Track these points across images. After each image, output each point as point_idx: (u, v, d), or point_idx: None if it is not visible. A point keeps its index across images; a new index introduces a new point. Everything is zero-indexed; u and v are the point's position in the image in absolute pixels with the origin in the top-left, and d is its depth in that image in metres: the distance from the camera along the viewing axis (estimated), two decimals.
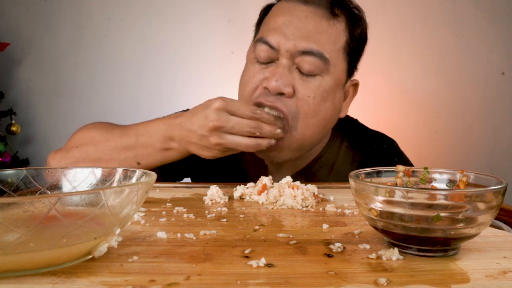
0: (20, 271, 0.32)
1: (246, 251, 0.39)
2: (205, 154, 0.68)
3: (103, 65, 2.23)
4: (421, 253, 0.39)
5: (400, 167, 0.48)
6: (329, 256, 0.39)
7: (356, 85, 0.83)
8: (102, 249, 0.36)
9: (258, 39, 0.74)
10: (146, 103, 2.21)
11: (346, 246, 0.42)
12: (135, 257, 0.37)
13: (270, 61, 0.73)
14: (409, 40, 2.14)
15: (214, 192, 0.63)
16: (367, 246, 0.41)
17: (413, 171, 0.49)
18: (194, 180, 0.96)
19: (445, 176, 0.47)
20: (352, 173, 0.45)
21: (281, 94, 0.70)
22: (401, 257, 0.38)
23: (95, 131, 0.77)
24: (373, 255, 0.38)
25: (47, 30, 2.20)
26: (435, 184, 0.48)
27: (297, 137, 0.73)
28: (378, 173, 0.48)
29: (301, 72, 0.72)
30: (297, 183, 0.64)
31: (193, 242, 0.42)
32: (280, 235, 0.46)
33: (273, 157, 0.76)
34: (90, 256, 0.36)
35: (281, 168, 0.85)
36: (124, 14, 2.22)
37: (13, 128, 2.04)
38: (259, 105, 0.71)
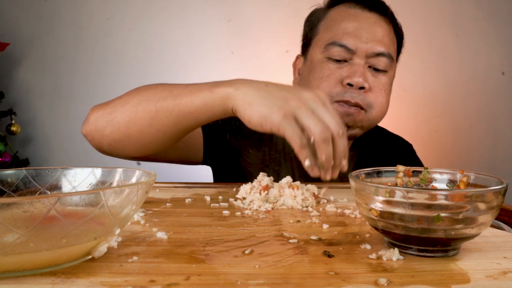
0: (20, 271, 0.32)
1: (246, 251, 0.39)
2: (256, 115, 0.54)
3: (103, 65, 2.23)
4: (421, 253, 0.39)
5: (400, 167, 0.48)
6: (329, 256, 0.39)
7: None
8: (102, 249, 0.36)
9: (332, 43, 0.82)
10: None
11: (346, 246, 0.41)
12: (135, 257, 0.37)
13: (343, 60, 0.83)
14: (409, 40, 2.14)
15: (247, 189, 0.63)
16: (367, 246, 0.41)
17: (413, 171, 0.49)
18: (214, 169, 0.99)
19: (445, 176, 0.47)
20: (352, 173, 0.45)
21: (361, 88, 0.80)
22: (401, 257, 0.38)
23: (144, 87, 0.70)
24: (373, 255, 0.38)
25: (47, 30, 2.20)
26: (435, 184, 0.48)
27: (369, 118, 0.83)
28: (378, 173, 0.48)
29: (371, 69, 0.83)
30: (297, 183, 0.64)
31: (193, 242, 0.42)
32: (280, 235, 0.45)
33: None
34: (90, 256, 0.36)
35: None
36: (124, 14, 2.22)
37: (13, 128, 2.03)
38: (346, 103, 0.80)
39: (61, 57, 2.22)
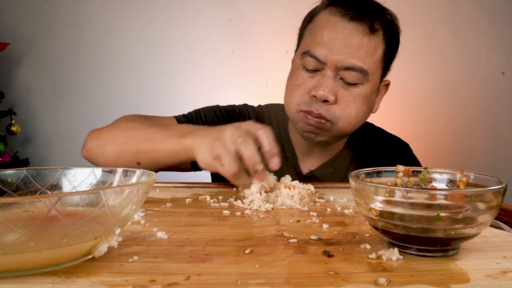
0: (21, 271, 0.32)
1: (246, 251, 0.39)
2: (205, 152, 0.67)
3: (103, 65, 2.23)
4: (421, 253, 0.39)
5: (400, 167, 0.48)
6: (329, 256, 0.39)
7: (387, 85, 0.93)
8: (102, 249, 0.36)
9: (306, 52, 0.82)
10: (147, 103, 2.21)
11: (346, 246, 0.42)
12: (135, 257, 0.37)
13: (316, 69, 0.82)
14: (409, 40, 2.14)
15: (257, 188, 0.63)
16: (367, 246, 0.41)
17: (413, 171, 0.49)
18: (214, 175, 1.02)
19: (445, 176, 0.47)
20: (352, 173, 0.45)
21: (325, 101, 0.80)
22: (401, 257, 0.38)
23: (136, 120, 0.84)
24: (373, 255, 0.38)
25: (47, 30, 2.20)
26: (435, 184, 0.48)
27: (337, 129, 0.83)
28: (378, 173, 0.48)
29: (344, 81, 0.81)
30: (294, 182, 0.64)
31: (193, 242, 0.43)
32: (280, 235, 0.46)
33: (313, 137, 0.86)
34: (90, 256, 0.36)
35: (310, 157, 0.95)
36: (124, 14, 2.22)
37: (13, 128, 2.03)
38: (309, 113, 0.82)
39: (61, 57, 2.22)
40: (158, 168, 0.79)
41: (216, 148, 0.64)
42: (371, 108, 0.88)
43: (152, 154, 0.76)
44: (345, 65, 0.79)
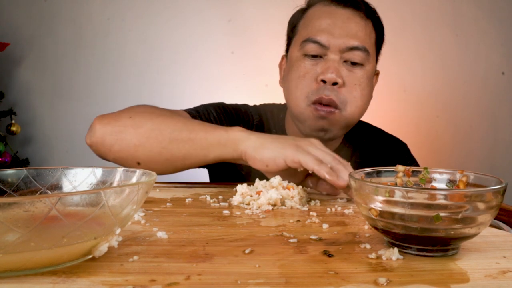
0: (21, 271, 0.32)
1: (246, 251, 0.39)
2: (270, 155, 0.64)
3: (103, 65, 2.23)
4: (421, 253, 0.39)
5: (400, 167, 0.48)
6: (329, 255, 0.39)
7: (377, 74, 0.96)
8: (103, 249, 0.36)
9: (307, 39, 0.84)
10: (147, 103, 2.20)
11: (346, 246, 0.42)
12: (135, 257, 0.37)
13: (318, 56, 0.84)
14: (409, 40, 2.14)
15: (245, 190, 0.63)
16: (367, 246, 0.41)
17: (413, 171, 0.49)
18: (211, 172, 1.02)
19: (445, 176, 0.48)
20: (352, 173, 0.45)
21: (334, 84, 0.81)
22: (401, 256, 0.38)
23: (154, 109, 0.78)
24: (373, 255, 0.38)
25: (47, 30, 2.20)
26: (435, 184, 0.48)
27: (346, 116, 0.84)
28: (378, 173, 0.48)
29: (347, 63, 0.83)
30: (291, 183, 0.64)
31: (193, 242, 0.43)
32: (280, 235, 0.46)
33: (323, 135, 0.86)
34: (90, 256, 0.36)
35: None
36: (124, 14, 2.22)
37: (13, 128, 2.04)
38: (319, 102, 0.82)
39: (61, 57, 2.22)
40: (184, 167, 0.72)
41: (300, 145, 0.64)
42: (371, 94, 0.90)
43: (188, 144, 0.68)
44: (349, 45, 0.82)
